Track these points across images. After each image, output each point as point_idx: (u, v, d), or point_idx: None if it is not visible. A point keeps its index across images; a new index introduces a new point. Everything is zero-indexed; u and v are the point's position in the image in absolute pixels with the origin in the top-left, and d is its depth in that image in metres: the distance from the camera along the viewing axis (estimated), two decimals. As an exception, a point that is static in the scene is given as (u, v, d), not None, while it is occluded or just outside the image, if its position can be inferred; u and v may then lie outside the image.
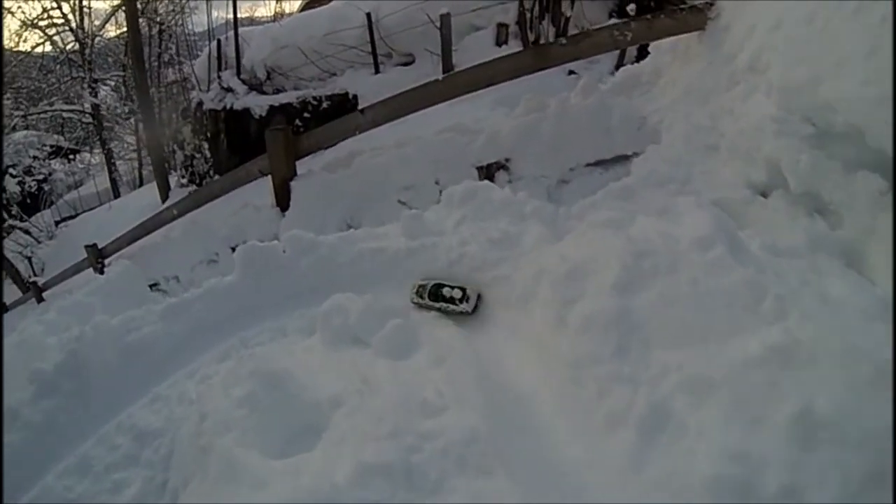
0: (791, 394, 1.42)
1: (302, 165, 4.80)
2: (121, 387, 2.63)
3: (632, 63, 5.42)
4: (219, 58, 9.08)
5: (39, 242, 16.07)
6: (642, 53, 5.21)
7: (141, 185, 19.62)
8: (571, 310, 1.91)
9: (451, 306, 2.40)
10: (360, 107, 7.35)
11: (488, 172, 4.38)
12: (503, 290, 2.39)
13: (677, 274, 1.82)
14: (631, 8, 6.08)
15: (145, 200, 12.74)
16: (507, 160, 4.34)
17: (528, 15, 7.07)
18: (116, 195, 19.52)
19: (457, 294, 2.40)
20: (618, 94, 4.27)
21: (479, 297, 2.43)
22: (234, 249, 5.15)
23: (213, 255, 5.47)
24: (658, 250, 1.91)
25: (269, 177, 4.90)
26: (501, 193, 2.84)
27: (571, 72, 6.11)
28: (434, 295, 2.46)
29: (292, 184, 4.69)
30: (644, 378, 1.65)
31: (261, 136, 7.90)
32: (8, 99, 19.45)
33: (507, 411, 1.80)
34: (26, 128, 20.17)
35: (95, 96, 20.37)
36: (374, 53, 7.92)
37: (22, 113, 19.45)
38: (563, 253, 2.16)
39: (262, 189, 5.19)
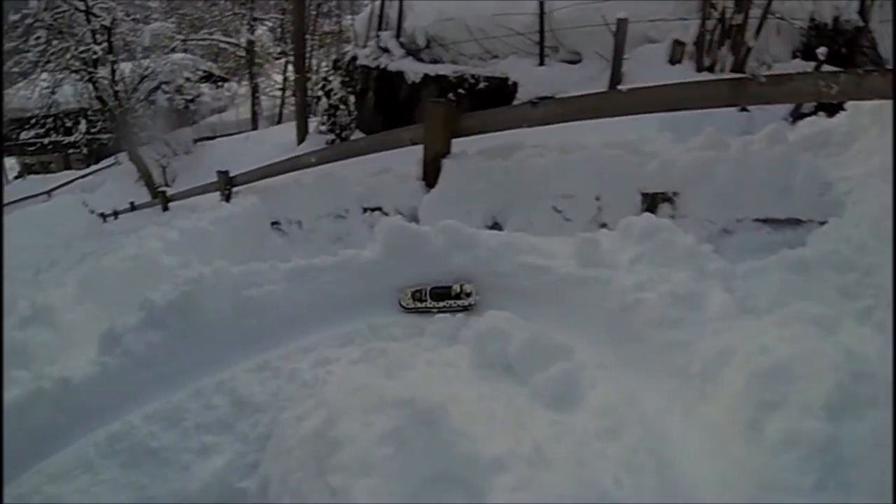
0: None
1: (455, 145, 4.50)
2: (230, 343, 2.39)
3: (811, 113, 4.86)
4: (380, 17, 9.22)
5: (176, 154, 17.03)
6: (822, 104, 4.65)
7: (279, 122, 20.44)
8: (770, 417, 1.57)
9: (459, 301, 2.42)
10: (517, 95, 7.17)
11: (652, 202, 3.94)
12: (680, 357, 1.98)
13: (896, 411, 1.47)
14: (822, 52, 5.61)
15: (281, 139, 13.09)
16: (674, 194, 3.89)
17: (708, 37, 6.58)
18: (254, 127, 20.48)
19: (466, 289, 2.44)
20: (804, 150, 3.71)
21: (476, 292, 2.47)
22: (365, 210, 5.05)
23: (342, 210, 5.26)
24: (877, 375, 1.56)
25: (418, 148, 4.63)
26: (685, 240, 2.41)
27: (744, 108, 5.53)
28: (437, 296, 2.45)
29: (444, 161, 4.39)
30: (845, 528, 1.36)
31: (410, 100, 8.02)
32: (172, 23, 20.82)
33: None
34: (184, 51, 21.47)
35: (252, 33, 21.63)
36: (541, 44, 7.62)
37: (182, 37, 20.72)
38: (764, 341, 1.76)
39: (404, 157, 4.94)
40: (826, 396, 1.52)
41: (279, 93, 22.84)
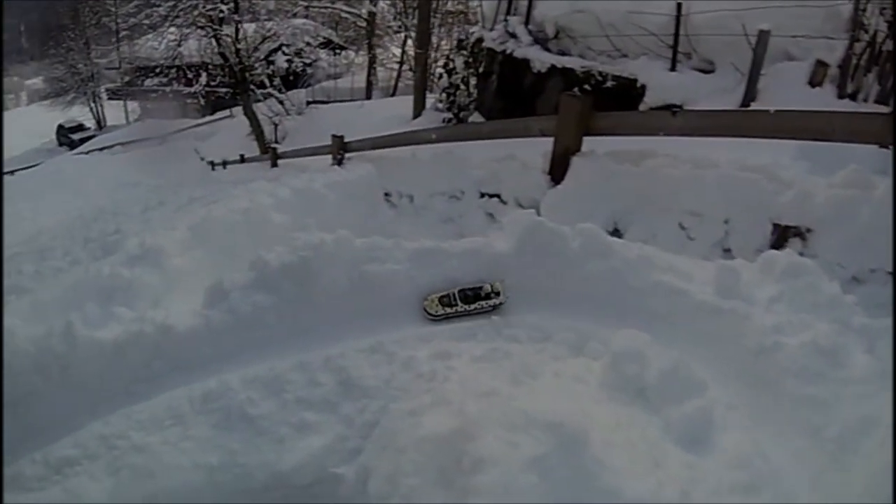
0: None
1: (584, 143, 4.31)
2: (342, 318, 2.30)
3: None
4: (509, 2, 9.04)
5: (288, 114, 17.59)
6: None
7: (393, 95, 20.72)
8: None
9: (490, 301, 2.33)
10: (644, 99, 6.81)
11: (783, 235, 3.63)
12: (816, 416, 1.79)
13: None
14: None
15: (395, 111, 13.21)
16: (807, 230, 3.57)
17: (855, 61, 5.99)
18: (368, 97, 20.88)
19: (496, 287, 2.35)
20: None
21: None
22: (483, 195, 4.91)
23: (457, 191, 5.13)
24: None
25: (542, 140, 4.47)
26: (830, 287, 2.16)
27: (884, 146, 5.02)
28: (467, 298, 2.34)
29: (573, 158, 4.22)
30: None
31: (534, 89, 7.85)
32: (295, -11, 21.45)
33: None
34: (306, 17, 22.05)
35: (374, 5, 21.90)
36: (674, 48, 7.17)
37: (305, 3, 21.25)
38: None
39: (527, 146, 4.77)
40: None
41: (396, 66, 23.15)
